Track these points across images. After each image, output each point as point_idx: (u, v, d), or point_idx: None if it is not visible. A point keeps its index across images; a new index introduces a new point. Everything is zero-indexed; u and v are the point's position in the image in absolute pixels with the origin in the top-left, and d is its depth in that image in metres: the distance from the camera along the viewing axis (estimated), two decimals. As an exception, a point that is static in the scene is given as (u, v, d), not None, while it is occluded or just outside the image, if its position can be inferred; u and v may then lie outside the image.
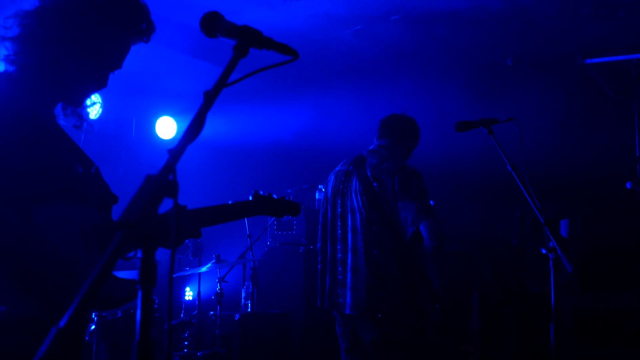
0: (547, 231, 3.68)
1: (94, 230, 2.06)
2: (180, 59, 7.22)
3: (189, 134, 1.45)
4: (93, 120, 2.37)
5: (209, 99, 1.56)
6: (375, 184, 4.38)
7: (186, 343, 6.20)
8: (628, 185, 6.39)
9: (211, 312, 6.45)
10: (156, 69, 7.03)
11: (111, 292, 2.07)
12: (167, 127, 8.33)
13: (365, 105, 4.83)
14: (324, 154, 6.59)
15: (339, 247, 4.51)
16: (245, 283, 6.65)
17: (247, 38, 1.76)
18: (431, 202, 5.48)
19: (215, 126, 7.55)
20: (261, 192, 2.92)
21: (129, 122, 7.99)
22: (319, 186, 7.24)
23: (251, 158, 8.46)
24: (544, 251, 3.71)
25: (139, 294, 1.26)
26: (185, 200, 2.11)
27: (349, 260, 4.39)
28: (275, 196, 2.99)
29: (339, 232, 4.53)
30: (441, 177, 7.59)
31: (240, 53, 1.74)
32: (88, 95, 2.27)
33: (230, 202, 2.75)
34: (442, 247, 4.23)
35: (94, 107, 2.36)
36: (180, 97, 8.19)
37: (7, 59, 2.14)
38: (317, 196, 7.44)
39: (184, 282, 7.35)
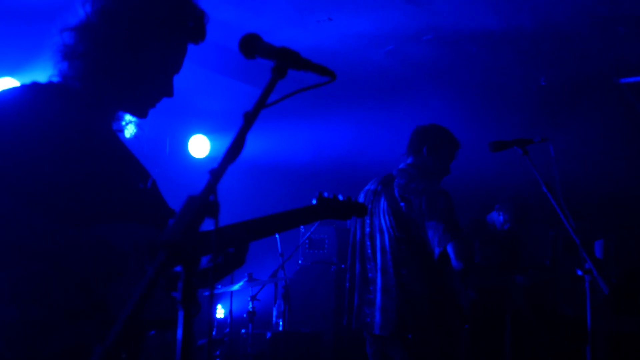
0: (583, 252, 3.65)
1: (149, 248, 2.07)
2: (213, 79, 7.28)
3: (230, 155, 1.46)
4: (128, 139, 2.36)
5: (249, 120, 1.57)
6: (402, 204, 4.36)
7: (218, 360, 6.21)
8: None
9: (243, 330, 6.45)
10: (189, 88, 7.09)
11: (163, 313, 2.05)
12: (200, 146, 8.39)
13: (396, 124, 4.85)
14: (356, 172, 6.59)
15: (368, 266, 4.50)
16: (277, 301, 6.65)
17: (286, 59, 1.76)
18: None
19: (251, 145, 7.60)
20: (325, 194, 2.72)
21: (163, 140, 8.04)
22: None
23: (284, 175, 8.47)
24: (579, 272, 3.68)
25: (180, 313, 1.27)
26: (225, 217, 2.10)
27: (378, 280, 4.38)
28: (340, 197, 2.79)
29: (369, 251, 4.52)
30: (473, 197, 7.56)
31: (279, 74, 1.75)
32: (154, 105, 2.28)
33: (290, 209, 2.55)
34: (470, 268, 4.17)
35: (129, 127, 2.36)
36: (213, 115, 8.25)
37: (64, 72, 2.16)
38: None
39: (216, 299, 7.36)
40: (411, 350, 4.19)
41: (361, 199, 4.69)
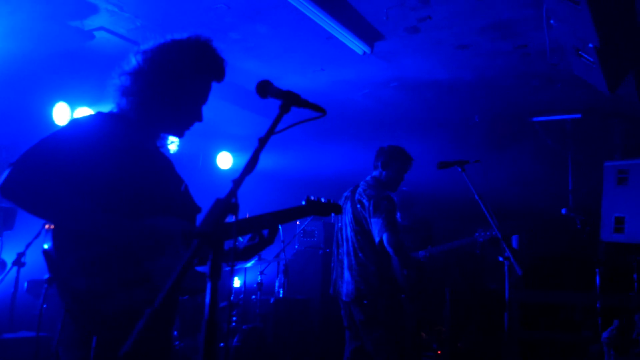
0: (503, 244, 3.64)
1: (182, 236, 2.05)
2: (236, 111, 7.26)
3: (247, 169, 1.46)
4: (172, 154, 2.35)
5: (262, 143, 1.56)
6: (358, 205, 4.42)
7: (234, 319, 6.16)
8: (563, 211, 6.31)
9: (253, 296, 6.42)
10: (219, 118, 7.09)
11: (196, 284, 2.05)
12: (225, 160, 8.37)
13: (370, 148, 4.87)
14: (339, 183, 6.57)
15: (340, 250, 4.57)
16: (279, 275, 6.62)
17: (290, 99, 1.78)
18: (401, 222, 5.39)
19: (269, 162, 7.67)
20: (312, 197, 2.75)
21: (197, 155, 8.02)
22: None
23: (292, 184, 8.46)
24: (500, 259, 3.67)
25: (208, 284, 1.25)
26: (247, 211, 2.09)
27: (345, 261, 4.45)
28: (323, 200, 2.81)
29: (340, 240, 4.58)
30: (428, 204, 7.59)
31: (285, 110, 1.76)
32: (189, 128, 2.26)
33: (287, 208, 2.57)
34: (399, 254, 4.17)
35: (173, 144, 2.36)
36: (236, 138, 8.23)
37: (121, 106, 2.15)
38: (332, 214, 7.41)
39: (234, 273, 7.31)
40: (366, 312, 4.22)
41: (341, 202, 4.71)
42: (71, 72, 5.59)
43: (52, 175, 1.84)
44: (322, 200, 2.78)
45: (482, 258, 7.72)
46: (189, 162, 7.48)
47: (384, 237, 4.14)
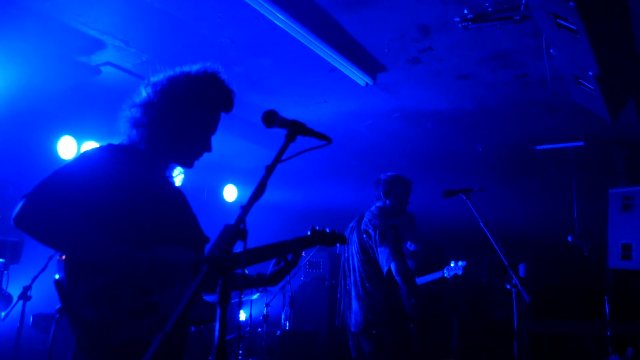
0: (510, 271, 3.62)
1: (191, 266, 2.05)
2: (241, 144, 7.32)
3: (255, 196, 1.47)
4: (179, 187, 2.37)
5: (269, 171, 1.58)
6: (364, 235, 4.40)
7: (240, 352, 6.11)
8: (569, 239, 6.29)
9: (259, 329, 6.37)
10: (225, 151, 7.13)
11: (203, 315, 2.04)
12: (231, 193, 8.41)
13: (373, 177, 4.90)
14: (345, 214, 6.57)
15: (347, 281, 4.54)
16: (285, 308, 6.57)
17: (296, 128, 1.79)
18: (411, 247, 5.39)
19: (278, 195, 7.70)
20: (317, 227, 2.74)
21: (202, 188, 8.05)
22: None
23: (298, 218, 8.48)
24: (508, 286, 3.64)
25: (218, 310, 1.25)
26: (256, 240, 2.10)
27: (353, 291, 4.41)
28: (328, 230, 2.81)
29: (347, 271, 4.56)
30: (430, 232, 7.56)
31: (290, 139, 1.77)
32: (198, 158, 2.27)
33: (292, 238, 2.56)
34: (407, 283, 4.13)
35: (179, 177, 2.37)
36: (241, 171, 8.27)
37: (132, 137, 2.17)
38: (338, 245, 7.39)
39: (239, 306, 7.26)
40: (374, 342, 4.17)
41: (347, 232, 4.70)
42: (78, 106, 5.66)
43: (64, 206, 1.86)
44: (327, 230, 2.79)
45: (489, 287, 7.66)
46: (194, 195, 7.49)
47: (392, 266, 4.11)
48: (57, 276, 1.89)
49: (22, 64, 4.99)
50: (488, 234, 3.84)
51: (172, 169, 2.30)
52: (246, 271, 2.59)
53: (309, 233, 2.70)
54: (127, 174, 2.03)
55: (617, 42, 3.89)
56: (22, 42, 4.80)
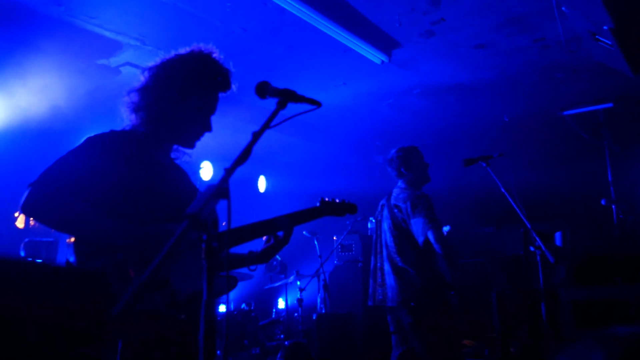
0: (532, 232, 3.58)
1: (199, 240, 2.10)
2: (266, 135, 7.35)
3: (240, 159, 1.49)
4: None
5: (255, 137, 1.61)
6: (395, 210, 4.38)
7: (278, 335, 6.21)
8: (602, 202, 6.16)
9: (295, 314, 6.44)
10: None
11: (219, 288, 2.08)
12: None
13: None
14: (372, 193, 6.56)
15: (378, 257, 4.52)
16: (319, 291, 6.62)
17: (287, 96, 1.82)
18: (448, 227, 5.31)
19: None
20: (326, 198, 2.74)
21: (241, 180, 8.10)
22: (370, 218, 7.21)
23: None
24: (532, 249, 3.60)
25: (204, 265, 1.28)
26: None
27: (386, 267, 4.39)
28: (337, 200, 2.79)
29: (380, 247, 4.55)
30: (465, 206, 7.52)
31: (281, 106, 1.80)
32: (199, 138, 2.30)
33: (301, 209, 2.55)
34: (446, 249, 4.08)
35: (184, 157, 2.38)
36: (271, 162, 8.32)
37: (132, 122, 2.23)
38: (369, 225, 7.39)
39: (276, 294, 7.35)
40: (414, 314, 4.15)
41: (377, 211, 4.71)
42: (100, 107, 5.79)
43: (69, 190, 1.93)
44: (337, 200, 2.78)
45: (526, 259, 7.56)
46: (237, 187, 7.54)
47: (430, 235, 4.09)
48: (70, 259, 1.96)
49: (46, 77, 5.10)
50: (509, 198, 3.80)
51: (178, 150, 2.34)
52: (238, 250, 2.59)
53: (317, 204, 2.69)
54: (129, 156, 2.09)
55: (629, -8, 3.77)
56: (44, 56, 4.93)
